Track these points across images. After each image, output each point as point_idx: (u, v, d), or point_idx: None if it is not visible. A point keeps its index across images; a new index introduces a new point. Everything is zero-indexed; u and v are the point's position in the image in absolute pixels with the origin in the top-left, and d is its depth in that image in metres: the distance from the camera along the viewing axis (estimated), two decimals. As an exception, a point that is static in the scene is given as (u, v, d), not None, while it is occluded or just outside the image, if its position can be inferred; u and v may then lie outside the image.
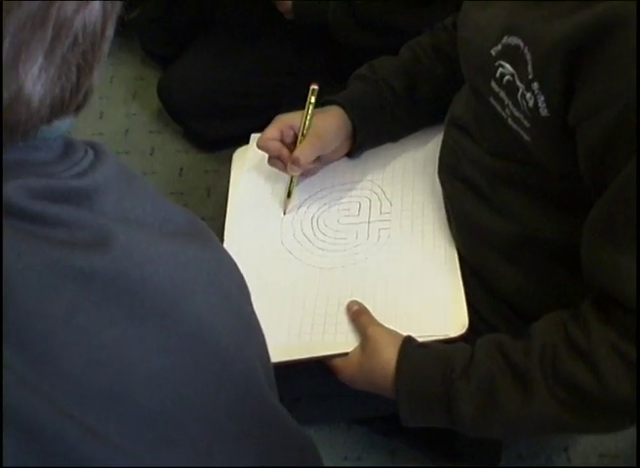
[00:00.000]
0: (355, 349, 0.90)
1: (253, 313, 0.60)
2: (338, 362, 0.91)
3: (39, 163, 0.49)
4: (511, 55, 0.78)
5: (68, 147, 0.51)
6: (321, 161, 1.11)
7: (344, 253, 1.02)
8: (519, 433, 0.82)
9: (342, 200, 1.10)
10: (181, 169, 1.77)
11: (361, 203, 1.09)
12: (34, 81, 0.44)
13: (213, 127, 1.72)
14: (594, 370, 0.71)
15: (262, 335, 0.62)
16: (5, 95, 0.44)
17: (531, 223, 0.89)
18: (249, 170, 1.16)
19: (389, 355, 0.85)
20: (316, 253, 1.03)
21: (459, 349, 0.83)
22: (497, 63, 0.80)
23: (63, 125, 0.51)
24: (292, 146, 1.06)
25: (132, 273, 0.47)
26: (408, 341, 0.86)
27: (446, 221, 1.03)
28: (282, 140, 1.06)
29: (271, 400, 0.59)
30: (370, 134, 1.09)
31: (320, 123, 1.06)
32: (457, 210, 0.99)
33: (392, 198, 1.08)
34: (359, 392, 0.92)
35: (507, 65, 0.79)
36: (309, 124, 1.05)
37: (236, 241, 1.06)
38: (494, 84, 0.81)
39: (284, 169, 1.07)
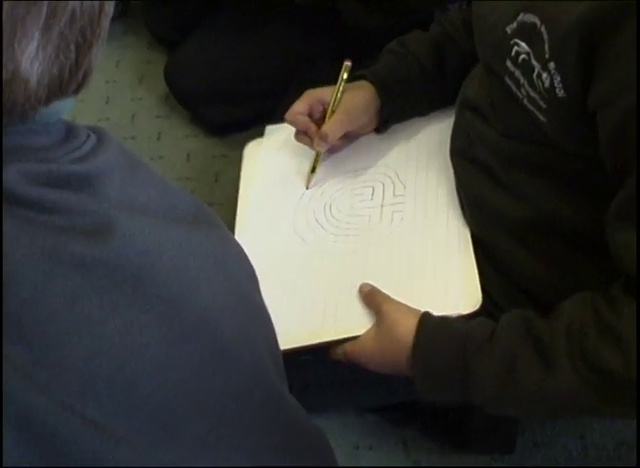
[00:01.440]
0: (370, 328, 0.88)
1: (261, 302, 0.59)
2: (351, 343, 0.89)
3: (39, 148, 0.47)
4: (527, 33, 0.76)
5: (70, 132, 0.50)
6: (348, 137, 1.10)
7: (357, 237, 1.01)
8: (536, 410, 0.80)
9: (356, 186, 1.08)
10: (189, 154, 1.74)
11: (374, 187, 1.07)
12: (31, 60, 0.43)
13: (220, 111, 1.69)
14: (623, 352, 0.69)
15: (271, 324, 0.60)
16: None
17: (544, 206, 0.87)
18: (264, 161, 1.15)
19: (407, 329, 0.83)
20: (329, 239, 1.02)
21: (480, 323, 0.82)
22: (512, 42, 0.78)
23: (63, 107, 0.49)
24: (320, 122, 1.05)
25: (134, 261, 0.46)
26: (426, 315, 0.85)
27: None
28: (310, 115, 1.06)
29: (280, 390, 0.58)
30: (397, 108, 1.08)
31: (349, 99, 1.05)
32: (469, 193, 0.98)
33: (406, 181, 1.06)
34: (370, 380, 0.90)
35: (523, 44, 0.77)
36: (340, 100, 1.04)
37: (248, 228, 1.05)
38: (509, 63, 0.80)
39: (310, 144, 1.06)
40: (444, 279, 0.92)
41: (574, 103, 0.73)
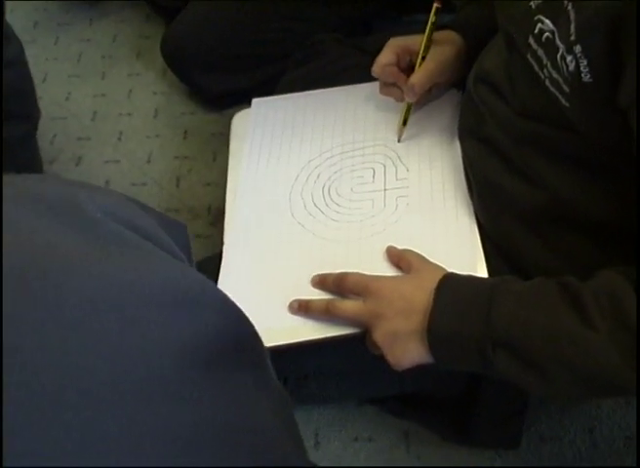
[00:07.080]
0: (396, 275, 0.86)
1: None
2: (376, 280, 0.84)
3: None
4: (553, 10, 0.70)
5: None
6: (437, 88, 1.05)
7: (361, 224, 0.96)
8: (551, 360, 0.74)
9: (355, 166, 1.03)
10: (186, 131, 1.70)
11: (375, 169, 1.02)
12: None
13: (218, 80, 1.64)
14: None
15: None
16: None
17: (560, 193, 0.81)
18: (252, 136, 1.10)
19: (434, 276, 0.80)
20: (330, 226, 0.96)
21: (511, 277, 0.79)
22: (536, 18, 0.72)
23: None
24: (408, 72, 1.01)
25: None
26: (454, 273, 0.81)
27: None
28: (397, 65, 1.01)
29: None
30: None
31: (438, 48, 0.99)
32: (478, 175, 0.93)
33: (408, 163, 1.01)
34: (372, 370, 0.86)
35: (547, 21, 0.71)
36: (429, 46, 0.98)
37: (239, 216, 0.99)
38: (532, 40, 0.74)
39: (400, 96, 1.02)
40: (451, 268, 0.87)
41: (601, 90, 0.67)
